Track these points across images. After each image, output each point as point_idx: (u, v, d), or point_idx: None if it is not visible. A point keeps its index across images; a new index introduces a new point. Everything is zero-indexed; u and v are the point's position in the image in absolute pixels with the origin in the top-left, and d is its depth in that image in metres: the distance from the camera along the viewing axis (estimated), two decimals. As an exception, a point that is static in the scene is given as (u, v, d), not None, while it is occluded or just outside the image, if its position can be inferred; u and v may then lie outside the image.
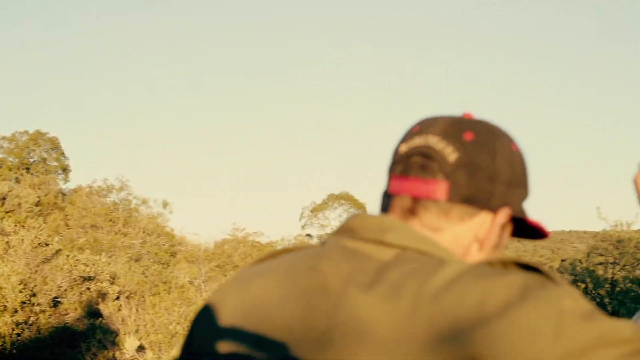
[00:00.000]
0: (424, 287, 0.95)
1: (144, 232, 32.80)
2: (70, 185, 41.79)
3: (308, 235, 47.67)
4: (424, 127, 1.18)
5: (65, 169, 43.63)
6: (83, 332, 17.12)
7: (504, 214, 1.15)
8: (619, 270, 10.77)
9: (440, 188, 1.13)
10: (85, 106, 62.31)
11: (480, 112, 1.26)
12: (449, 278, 0.96)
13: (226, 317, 1.12)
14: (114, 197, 35.40)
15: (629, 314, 9.46)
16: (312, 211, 49.84)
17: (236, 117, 64.73)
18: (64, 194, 38.17)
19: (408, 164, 1.15)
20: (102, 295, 19.31)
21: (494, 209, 1.15)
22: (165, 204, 37.32)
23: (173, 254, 35.22)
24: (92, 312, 18.59)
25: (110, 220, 32.09)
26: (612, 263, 10.50)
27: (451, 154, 1.14)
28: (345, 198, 49.64)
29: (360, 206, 48.50)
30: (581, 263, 11.04)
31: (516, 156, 1.18)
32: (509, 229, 1.20)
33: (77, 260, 18.98)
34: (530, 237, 1.28)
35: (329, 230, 47.94)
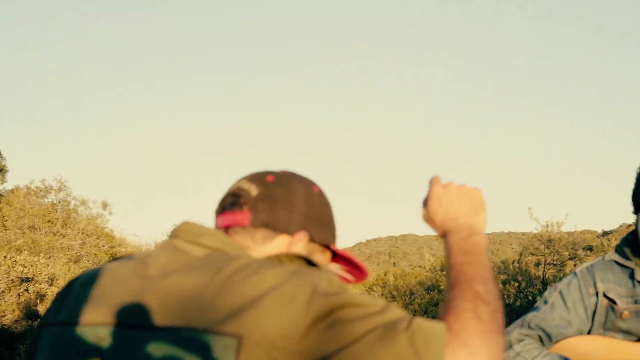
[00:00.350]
0: (221, 271, 1.24)
1: (83, 233, 32.55)
2: (7, 185, 41.15)
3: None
4: (239, 178, 1.52)
5: (1, 170, 42.97)
6: (21, 333, 17.05)
7: (299, 237, 1.45)
8: (550, 269, 11.17)
9: (245, 217, 1.44)
10: (23, 106, 61.51)
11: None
12: (239, 266, 1.25)
13: (76, 292, 1.41)
14: (53, 197, 35.00)
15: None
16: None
17: (177, 116, 64.58)
18: (0, 195, 37.62)
19: (223, 203, 1.49)
20: (41, 297, 19.23)
21: (291, 233, 1.46)
22: (105, 205, 36.90)
23: (113, 255, 35.05)
24: (31, 314, 18.48)
25: (49, 221, 31.75)
26: (548, 264, 10.91)
27: (254, 190, 1.46)
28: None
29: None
30: (514, 263, 11.45)
31: (315, 196, 1.52)
32: (322, 256, 1.53)
33: (14, 261, 18.90)
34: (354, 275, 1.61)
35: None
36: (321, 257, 1.53)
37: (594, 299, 2.38)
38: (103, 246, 33.80)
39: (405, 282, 14.60)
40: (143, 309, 1.28)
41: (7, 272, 18.29)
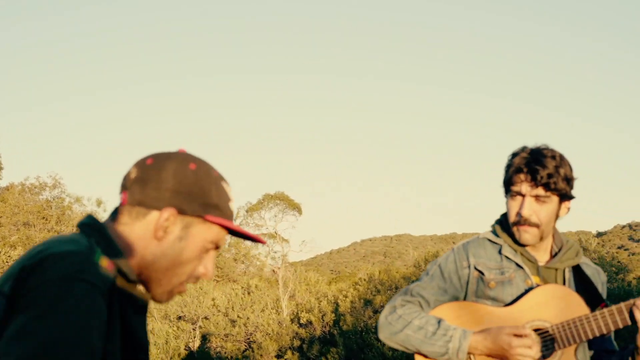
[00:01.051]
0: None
1: (77, 229, 32.60)
2: (2, 183, 41.24)
3: (244, 236, 48.00)
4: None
5: (-3, 167, 42.99)
6: None
7: (167, 212, 1.64)
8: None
9: (125, 197, 1.69)
10: (18, 103, 61.60)
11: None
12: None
13: None
14: (47, 194, 35.15)
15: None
16: (247, 211, 49.99)
17: (171, 115, 64.77)
18: (-5, 192, 37.72)
19: (120, 186, 1.73)
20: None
21: (159, 209, 1.66)
22: (99, 202, 37.10)
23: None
24: (25, 309, 18.68)
25: (43, 217, 31.90)
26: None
27: (133, 174, 1.70)
28: (280, 198, 49.83)
29: (295, 206, 48.74)
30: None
31: (189, 173, 1.69)
32: (204, 227, 1.70)
33: (9, 257, 19.07)
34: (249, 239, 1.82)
35: (264, 230, 48.09)
36: (202, 227, 1.69)
37: (467, 271, 2.75)
38: (97, 243, 33.99)
39: (389, 277, 14.85)
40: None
41: (2, 268, 18.42)
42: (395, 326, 2.74)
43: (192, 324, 15.08)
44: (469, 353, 2.65)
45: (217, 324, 13.87)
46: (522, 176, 2.64)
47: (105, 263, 1.55)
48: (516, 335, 2.55)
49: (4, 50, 60.72)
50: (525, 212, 2.63)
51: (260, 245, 48.64)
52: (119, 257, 1.63)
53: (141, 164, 1.72)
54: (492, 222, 2.88)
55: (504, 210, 2.79)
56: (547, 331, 2.63)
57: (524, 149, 2.71)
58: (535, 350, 2.55)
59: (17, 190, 34.46)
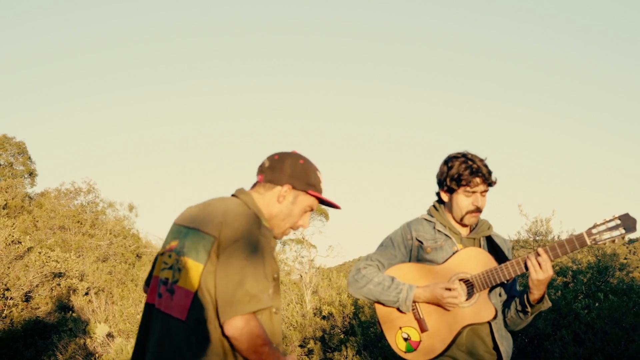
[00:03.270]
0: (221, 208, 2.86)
1: (110, 233, 33.53)
2: (37, 189, 42.13)
3: (272, 240, 48.10)
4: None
5: (31, 173, 43.87)
6: (54, 325, 17.67)
7: (286, 187, 2.91)
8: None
9: (261, 177, 2.98)
10: (52, 110, 62.67)
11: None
12: (234, 209, 2.82)
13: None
14: (82, 199, 35.97)
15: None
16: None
17: (201, 121, 65.44)
18: (30, 198, 38.60)
19: (258, 170, 3.03)
20: (72, 291, 20.06)
21: (282, 185, 2.94)
22: (131, 207, 38.00)
23: (139, 256, 35.90)
24: (63, 306, 19.25)
25: (78, 221, 32.71)
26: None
27: (266, 163, 2.99)
28: (308, 203, 50.01)
29: (322, 211, 48.79)
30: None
31: (299, 165, 2.95)
32: (306, 197, 2.97)
33: (48, 257, 19.64)
34: (332, 206, 3.09)
35: (291, 236, 48.08)
36: (305, 198, 2.96)
37: (410, 241, 3.87)
38: (130, 246, 34.80)
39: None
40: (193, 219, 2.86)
41: (42, 267, 18.95)
42: (360, 282, 3.78)
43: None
44: (414, 301, 3.71)
45: (245, 316, 14.56)
46: (478, 179, 3.72)
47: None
48: (447, 289, 3.63)
49: (36, 56, 61.75)
50: (481, 204, 3.76)
51: (287, 250, 49.52)
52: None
53: (271, 158, 2.98)
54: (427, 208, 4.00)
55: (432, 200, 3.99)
56: (469, 280, 3.68)
57: (467, 155, 3.79)
58: (461, 298, 3.64)
59: (52, 195, 35.45)
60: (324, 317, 13.10)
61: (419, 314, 3.71)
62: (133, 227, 37.56)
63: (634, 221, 3.46)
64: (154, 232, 63.30)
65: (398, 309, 3.74)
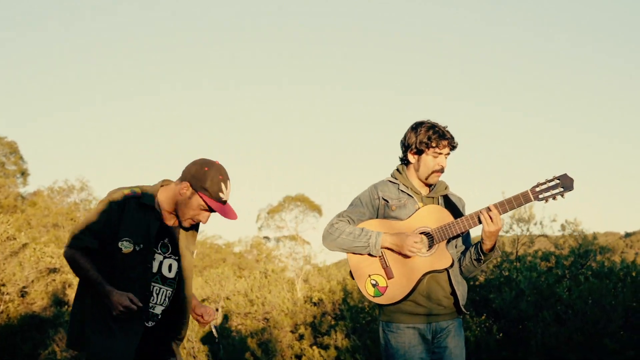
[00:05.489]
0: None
1: (104, 230, 33.42)
2: (30, 188, 42.21)
3: (265, 237, 48.24)
4: None
5: (23, 173, 43.88)
6: (50, 319, 17.85)
7: (185, 184, 3.66)
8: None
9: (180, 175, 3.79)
10: (42, 109, 62.69)
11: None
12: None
13: None
14: (75, 197, 36.18)
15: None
16: (268, 213, 50.18)
17: (193, 118, 65.54)
18: (22, 197, 38.75)
19: None
20: (68, 286, 20.23)
21: (183, 182, 3.68)
22: (124, 205, 37.84)
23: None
24: (58, 301, 19.43)
25: (72, 219, 32.95)
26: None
27: (185, 168, 3.74)
28: (301, 200, 50.04)
29: (316, 207, 49.00)
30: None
31: (201, 170, 3.65)
32: (197, 198, 3.66)
33: (43, 252, 19.74)
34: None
35: (285, 232, 48.30)
36: (197, 197, 3.63)
37: (377, 201, 4.32)
38: (123, 243, 34.87)
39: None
40: None
41: (37, 263, 19.10)
42: (334, 234, 4.24)
43: (215, 304, 16.24)
44: (382, 248, 4.15)
45: (238, 303, 15.00)
46: (445, 142, 4.22)
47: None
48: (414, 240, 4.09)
49: (26, 56, 61.73)
50: (445, 164, 4.26)
51: (282, 246, 49.26)
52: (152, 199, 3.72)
53: (193, 161, 3.68)
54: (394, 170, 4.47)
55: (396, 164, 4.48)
56: (429, 232, 4.16)
57: (430, 123, 4.29)
58: (421, 246, 4.10)
59: (45, 194, 35.64)
60: (314, 304, 13.46)
61: (385, 262, 4.16)
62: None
63: (571, 180, 3.99)
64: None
65: (369, 255, 4.19)
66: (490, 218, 4.02)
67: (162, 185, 3.81)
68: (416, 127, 4.29)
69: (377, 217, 4.31)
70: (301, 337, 12.58)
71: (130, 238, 3.63)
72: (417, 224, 4.18)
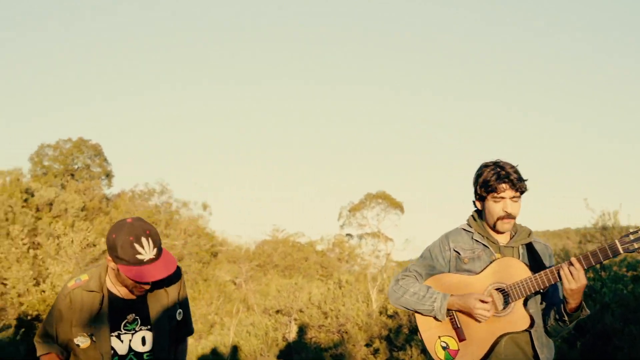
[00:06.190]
0: None
1: (185, 233, 34.11)
2: (114, 190, 43.08)
3: (348, 234, 48.20)
4: None
5: (108, 175, 44.75)
6: None
7: (109, 259, 3.31)
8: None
9: None
10: (125, 112, 63.95)
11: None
12: None
13: None
14: (156, 200, 36.67)
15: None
16: (350, 210, 50.22)
17: (273, 118, 65.91)
18: (107, 199, 39.52)
19: None
20: (147, 292, 20.44)
21: (107, 258, 3.39)
22: (205, 206, 38.58)
23: (214, 254, 36.46)
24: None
25: (153, 222, 33.30)
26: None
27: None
28: (382, 197, 49.93)
29: (397, 205, 48.87)
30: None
31: (110, 238, 3.25)
32: (122, 271, 3.23)
33: None
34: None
35: (367, 230, 48.21)
36: (123, 268, 3.22)
37: (448, 252, 3.95)
38: (204, 245, 35.36)
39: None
40: None
41: None
42: (398, 293, 3.95)
43: (289, 316, 16.09)
44: (448, 309, 3.81)
45: (311, 316, 14.80)
46: (504, 185, 3.79)
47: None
48: (480, 301, 3.70)
49: (110, 62, 63.02)
50: (510, 210, 3.80)
51: (364, 244, 49.28)
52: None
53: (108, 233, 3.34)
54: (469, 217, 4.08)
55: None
56: (504, 289, 3.75)
57: (498, 163, 3.89)
58: (492, 312, 3.71)
59: (127, 197, 36.21)
60: (389, 316, 13.14)
61: (456, 323, 3.81)
62: (207, 225, 38.23)
63: None
64: (230, 229, 64.12)
65: (435, 318, 3.84)
66: (571, 274, 3.55)
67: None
68: (478, 170, 3.93)
69: (448, 270, 3.96)
70: (376, 352, 12.30)
71: (83, 331, 3.41)
72: (491, 279, 3.79)
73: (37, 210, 32.57)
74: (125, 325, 3.45)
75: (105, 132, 65.73)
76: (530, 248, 3.93)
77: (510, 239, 3.93)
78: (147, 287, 3.34)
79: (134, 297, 3.44)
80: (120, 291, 3.42)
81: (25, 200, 32.37)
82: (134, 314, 3.47)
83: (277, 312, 16.53)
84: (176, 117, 64.91)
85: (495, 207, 3.83)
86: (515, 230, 3.94)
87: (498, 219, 3.82)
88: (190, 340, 15.61)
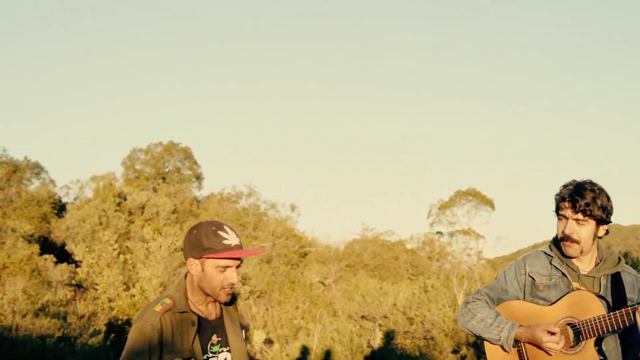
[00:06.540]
0: None
1: (273, 235, 34.29)
2: (204, 192, 43.65)
3: (439, 232, 47.73)
4: None
5: (198, 177, 45.40)
6: None
7: (190, 260, 3.16)
8: None
9: None
10: (213, 116, 64.82)
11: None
12: None
13: None
14: (244, 202, 36.97)
15: None
16: (439, 208, 49.69)
17: (361, 117, 65.79)
18: (198, 201, 40.05)
19: None
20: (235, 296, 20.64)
21: (186, 259, 3.21)
22: (293, 207, 38.72)
23: (303, 255, 36.56)
24: (225, 311, 19.84)
25: (241, 224, 33.65)
26: None
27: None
28: (472, 194, 49.27)
29: (488, 202, 48.17)
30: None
31: (192, 236, 3.17)
32: (209, 263, 3.14)
33: None
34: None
35: (458, 227, 47.68)
36: (209, 262, 3.13)
37: (524, 277, 3.69)
38: (293, 247, 35.49)
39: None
40: None
41: None
42: (466, 317, 3.75)
43: (373, 322, 15.89)
44: (516, 340, 3.56)
45: (396, 322, 14.55)
46: (566, 204, 3.52)
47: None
48: (549, 332, 3.45)
49: (197, 66, 63.96)
50: (567, 231, 3.51)
51: (454, 241, 48.65)
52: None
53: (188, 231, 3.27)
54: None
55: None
56: (577, 325, 3.47)
57: (572, 182, 3.57)
58: (561, 344, 3.44)
59: (216, 199, 36.62)
60: (477, 322, 12.76)
61: (524, 355, 3.59)
62: (295, 227, 38.37)
63: None
64: (319, 229, 64.30)
65: (502, 348, 3.63)
66: None
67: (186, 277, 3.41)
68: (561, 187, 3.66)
69: (523, 296, 3.69)
70: (463, 358, 11.98)
71: (178, 356, 3.21)
72: (564, 312, 3.50)
73: (130, 214, 33.27)
74: (210, 348, 3.31)
75: (194, 135, 66.69)
76: (616, 278, 3.57)
77: (595, 266, 3.60)
78: (234, 287, 3.29)
79: (213, 317, 3.33)
80: (202, 310, 3.31)
81: (118, 204, 33.12)
82: (215, 335, 3.33)
83: (362, 317, 16.36)
84: (262, 118, 65.45)
85: (558, 227, 3.59)
86: (602, 256, 3.61)
87: (560, 240, 3.56)
88: (277, 345, 15.61)
